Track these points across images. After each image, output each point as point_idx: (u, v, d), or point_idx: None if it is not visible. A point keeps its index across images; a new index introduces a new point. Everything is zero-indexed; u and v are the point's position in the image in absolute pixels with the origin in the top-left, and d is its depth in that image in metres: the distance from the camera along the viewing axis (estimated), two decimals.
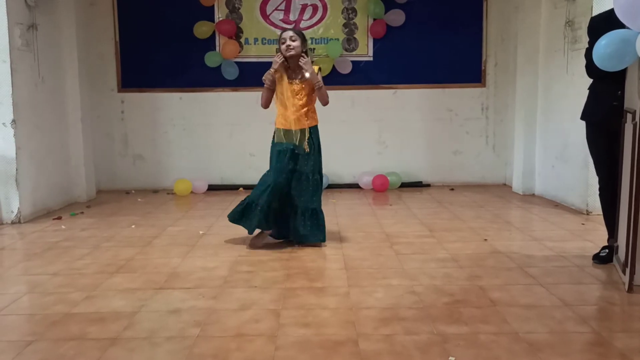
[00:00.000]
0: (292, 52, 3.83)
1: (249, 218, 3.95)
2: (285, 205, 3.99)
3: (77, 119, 6.10)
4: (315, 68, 3.94)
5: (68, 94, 6.03)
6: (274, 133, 4.04)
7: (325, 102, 4.00)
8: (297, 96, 3.90)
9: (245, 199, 4.02)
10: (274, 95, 4.00)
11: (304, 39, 3.91)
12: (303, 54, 3.90)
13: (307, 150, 3.95)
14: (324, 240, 4.06)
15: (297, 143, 3.93)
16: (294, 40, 3.84)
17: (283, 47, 3.84)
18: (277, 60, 3.86)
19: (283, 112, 3.93)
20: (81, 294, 3.09)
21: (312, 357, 2.28)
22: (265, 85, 3.92)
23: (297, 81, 3.91)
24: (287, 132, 3.94)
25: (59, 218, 5.24)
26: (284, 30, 3.97)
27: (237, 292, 3.10)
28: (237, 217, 4.03)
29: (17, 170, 5.01)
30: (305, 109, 3.93)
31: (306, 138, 3.95)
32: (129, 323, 2.66)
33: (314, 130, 4.01)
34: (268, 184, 3.88)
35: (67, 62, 6.00)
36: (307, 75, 3.88)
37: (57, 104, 5.83)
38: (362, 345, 2.39)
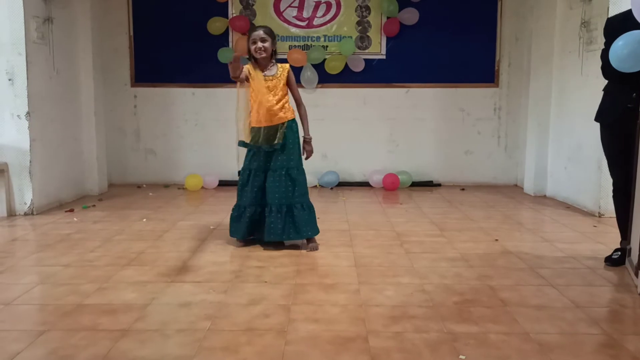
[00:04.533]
0: (263, 55, 3.78)
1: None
2: (262, 205, 3.93)
3: (91, 113, 6.14)
4: (286, 66, 3.90)
5: (82, 87, 6.08)
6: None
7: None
8: (272, 92, 3.82)
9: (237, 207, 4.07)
10: (248, 93, 3.88)
11: (273, 38, 3.84)
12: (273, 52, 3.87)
13: (280, 142, 3.82)
14: (300, 237, 3.91)
15: (265, 141, 3.83)
16: (264, 42, 3.76)
17: (253, 47, 3.77)
18: (238, 69, 3.68)
19: (257, 108, 3.80)
20: (93, 285, 3.12)
21: (321, 353, 2.29)
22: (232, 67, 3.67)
23: (271, 77, 3.82)
24: (257, 130, 3.83)
25: (71, 210, 5.28)
26: (254, 27, 3.95)
27: (247, 286, 3.11)
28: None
29: (30, 162, 5.06)
30: (279, 104, 3.83)
31: (283, 131, 3.83)
32: (140, 315, 2.68)
33: (292, 123, 3.90)
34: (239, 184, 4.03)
35: (81, 56, 6.04)
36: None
37: (71, 97, 5.88)
38: (372, 342, 2.39)
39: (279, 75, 3.85)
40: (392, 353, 2.29)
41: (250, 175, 3.93)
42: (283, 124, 3.84)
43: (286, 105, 3.89)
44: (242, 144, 3.94)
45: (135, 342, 2.39)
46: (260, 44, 3.75)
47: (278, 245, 3.94)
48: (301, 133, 3.97)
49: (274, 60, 3.89)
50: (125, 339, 2.41)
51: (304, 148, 3.99)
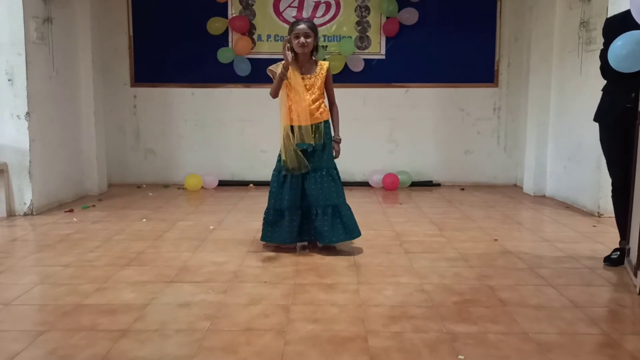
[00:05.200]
0: (306, 50, 3.70)
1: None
2: (300, 207, 3.81)
3: (90, 112, 6.15)
4: (325, 65, 3.81)
5: (81, 87, 6.08)
6: (285, 131, 3.76)
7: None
8: (310, 91, 3.74)
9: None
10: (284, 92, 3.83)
11: (316, 33, 3.75)
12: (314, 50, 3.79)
13: (320, 142, 3.76)
14: (352, 238, 3.85)
15: (307, 139, 3.71)
16: (308, 37, 3.66)
17: (296, 42, 3.66)
18: (289, 55, 3.66)
19: (295, 108, 3.71)
20: (92, 285, 3.12)
21: (321, 353, 2.29)
22: (279, 77, 3.70)
23: (309, 75, 3.76)
24: (300, 129, 3.71)
25: (71, 210, 5.28)
26: (297, 21, 3.75)
27: (246, 286, 3.11)
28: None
29: (30, 162, 5.06)
30: (317, 103, 3.75)
31: (321, 132, 3.77)
32: (140, 315, 2.68)
33: (326, 124, 3.83)
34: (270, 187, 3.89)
35: (81, 56, 6.04)
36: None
37: (70, 97, 5.88)
38: (371, 342, 2.39)
39: (317, 73, 3.76)
40: (391, 353, 2.29)
41: (287, 177, 3.78)
42: (320, 123, 3.76)
43: (322, 105, 3.79)
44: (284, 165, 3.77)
45: (134, 342, 2.39)
46: (303, 39, 3.64)
47: (330, 249, 3.84)
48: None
49: (314, 57, 3.81)
50: (124, 339, 2.41)
51: (332, 148, 3.90)
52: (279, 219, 3.83)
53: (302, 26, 3.68)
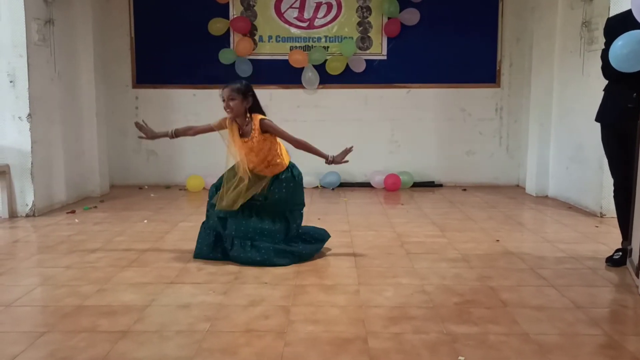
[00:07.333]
0: (231, 115, 3.50)
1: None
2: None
3: (92, 114, 6.15)
4: (257, 119, 3.49)
5: (83, 89, 6.09)
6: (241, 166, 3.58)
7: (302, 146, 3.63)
8: (253, 152, 3.51)
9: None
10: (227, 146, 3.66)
11: (245, 92, 3.46)
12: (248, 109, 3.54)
13: (264, 193, 3.58)
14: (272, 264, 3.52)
15: (253, 183, 3.56)
16: (232, 100, 3.43)
17: (224, 105, 3.49)
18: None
19: (239, 164, 3.57)
20: (93, 287, 3.12)
21: (320, 354, 2.28)
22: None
23: (246, 139, 3.50)
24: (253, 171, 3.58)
25: (73, 212, 5.28)
26: (223, 87, 3.50)
27: (247, 288, 3.11)
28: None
29: (32, 163, 5.06)
30: (263, 164, 3.57)
31: (265, 186, 3.59)
32: (140, 317, 2.68)
33: (279, 177, 3.61)
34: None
35: (82, 58, 6.05)
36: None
37: (72, 98, 5.88)
38: (371, 343, 2.38)
39: (253, 132, 3.49)
40: (391, 354, 2.28)
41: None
42: (267, 177, 3.60)
43: (274, 159, 3.57)
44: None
45: (134, 343, 2.39)
46: (228, 102, 3.46)
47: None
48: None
49: (249, 116, 3.52)
50: (124, 341, 2.41)
51: (340, 162, 3.74)
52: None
53: (225, 89, 3.48)
